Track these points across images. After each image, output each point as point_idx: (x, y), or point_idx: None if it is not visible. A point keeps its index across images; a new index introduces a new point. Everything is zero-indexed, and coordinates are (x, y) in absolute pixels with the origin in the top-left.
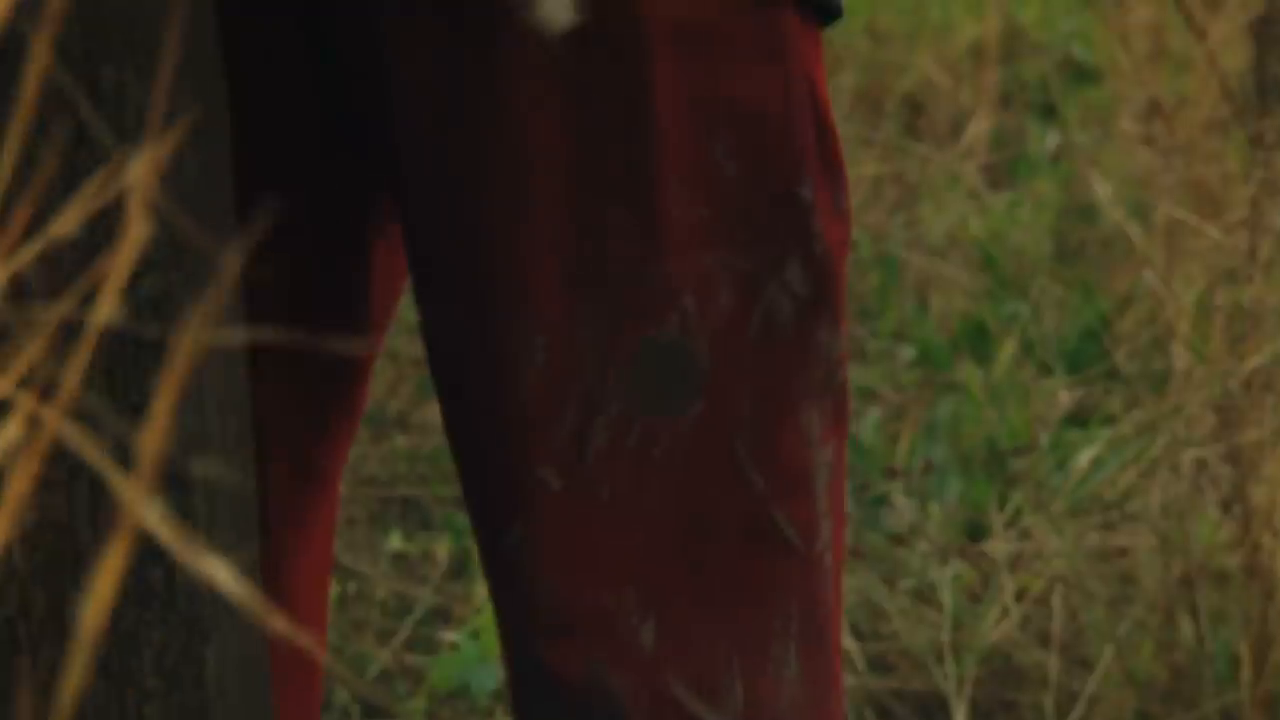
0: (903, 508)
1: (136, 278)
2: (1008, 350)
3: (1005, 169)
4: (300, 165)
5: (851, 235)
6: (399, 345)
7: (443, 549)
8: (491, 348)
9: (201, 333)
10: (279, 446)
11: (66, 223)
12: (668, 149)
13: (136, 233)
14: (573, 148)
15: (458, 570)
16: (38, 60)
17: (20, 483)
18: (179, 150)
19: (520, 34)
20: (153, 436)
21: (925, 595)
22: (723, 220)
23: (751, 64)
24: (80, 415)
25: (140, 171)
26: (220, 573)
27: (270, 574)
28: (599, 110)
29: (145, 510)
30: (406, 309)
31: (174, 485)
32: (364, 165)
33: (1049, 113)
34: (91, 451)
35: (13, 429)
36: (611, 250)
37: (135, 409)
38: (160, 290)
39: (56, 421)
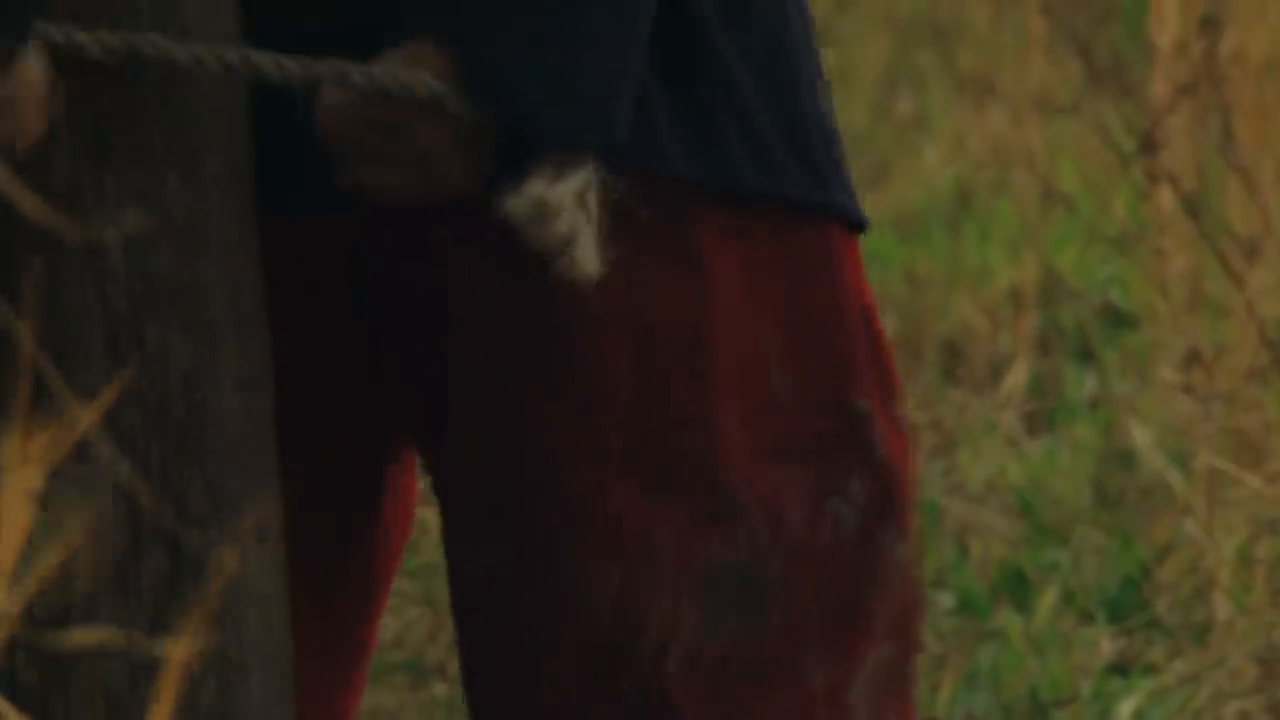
0: None
1: (176, 532)
2: (1048, 598)
3: (1044, 415)
4: (322, 404)
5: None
6: (437, 592)
7: None
8: (556, 580)
9: (237, 581)
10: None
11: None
12: (726, 369)
13: (14, 523)
14: (634, 371)
15: None
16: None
17: None
18: (224, 404)
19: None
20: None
21: None
22: (784, 438)
23: (802, 279)
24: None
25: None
26: None
27: None
28: (659, 334)
29: None
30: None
31: None
32: (385, 404)
33: (1087, 358)
34: None
35: None
36: (677, 475)
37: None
38: (202, 547)
39: None
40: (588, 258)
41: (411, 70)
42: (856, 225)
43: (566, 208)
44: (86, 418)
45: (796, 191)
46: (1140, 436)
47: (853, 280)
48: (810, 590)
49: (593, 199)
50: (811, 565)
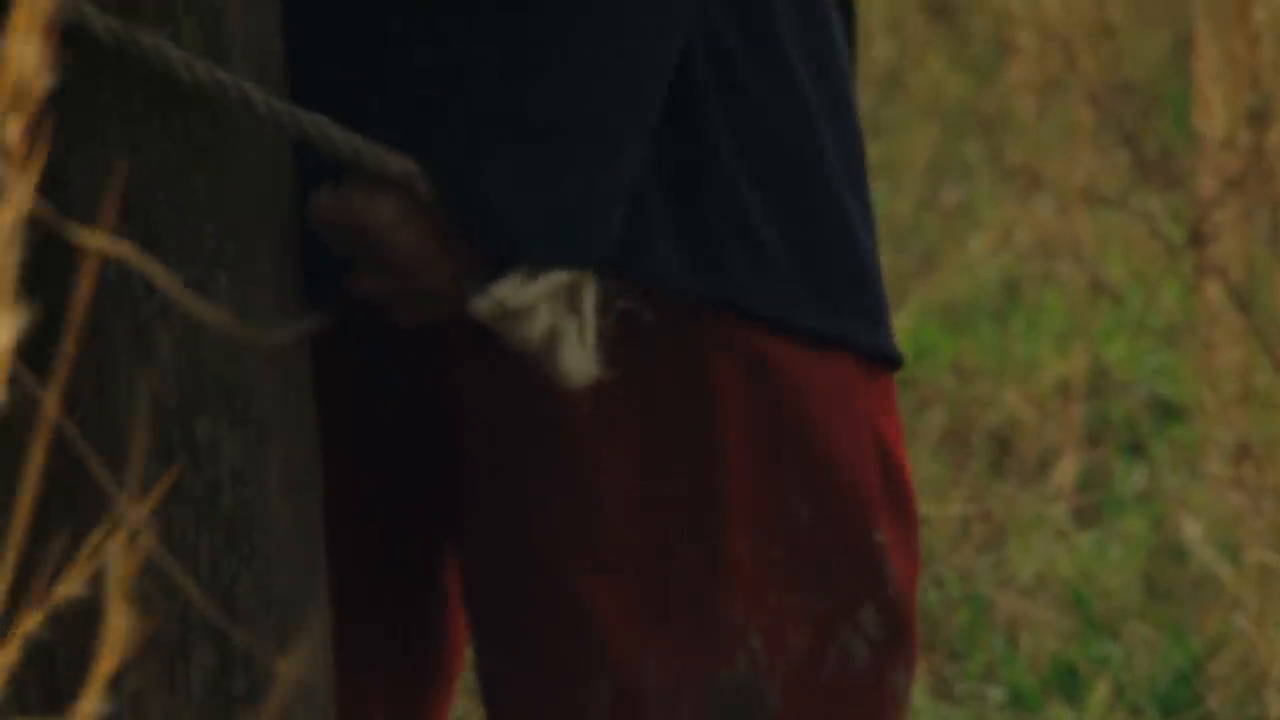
0: None
1: (225, 629)
2: (1099, 693)
3: (1093, 508)
4: (373, 510)
5: (920, 574)
6: None
7: None
8: (555, 688)
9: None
10: None
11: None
12: (735, 487)
13: (118, 627)
14: (640, 485)
15: None
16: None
17: None
18: (273, 500)
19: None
20: None
21: None
22: (796, 563)
23: (817, 409)
24: None
25: (117, 555)
26: None
27: None
28: (666, 448)
29: None
30: None
31: None
32: (430, 506)
33: (1137, 451)
34: None
35: None
36: (678, 588)
37: None
38: (250, 644)
39: None
40: (575, 362)
41: (389, 150)
42: (883, 356)
43: (538, 310)
44: (136, 514)
45: (803, 319)
46: (1191, 530)
47: (868, 411)
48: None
49: (587, 303)
50: (814, 694)
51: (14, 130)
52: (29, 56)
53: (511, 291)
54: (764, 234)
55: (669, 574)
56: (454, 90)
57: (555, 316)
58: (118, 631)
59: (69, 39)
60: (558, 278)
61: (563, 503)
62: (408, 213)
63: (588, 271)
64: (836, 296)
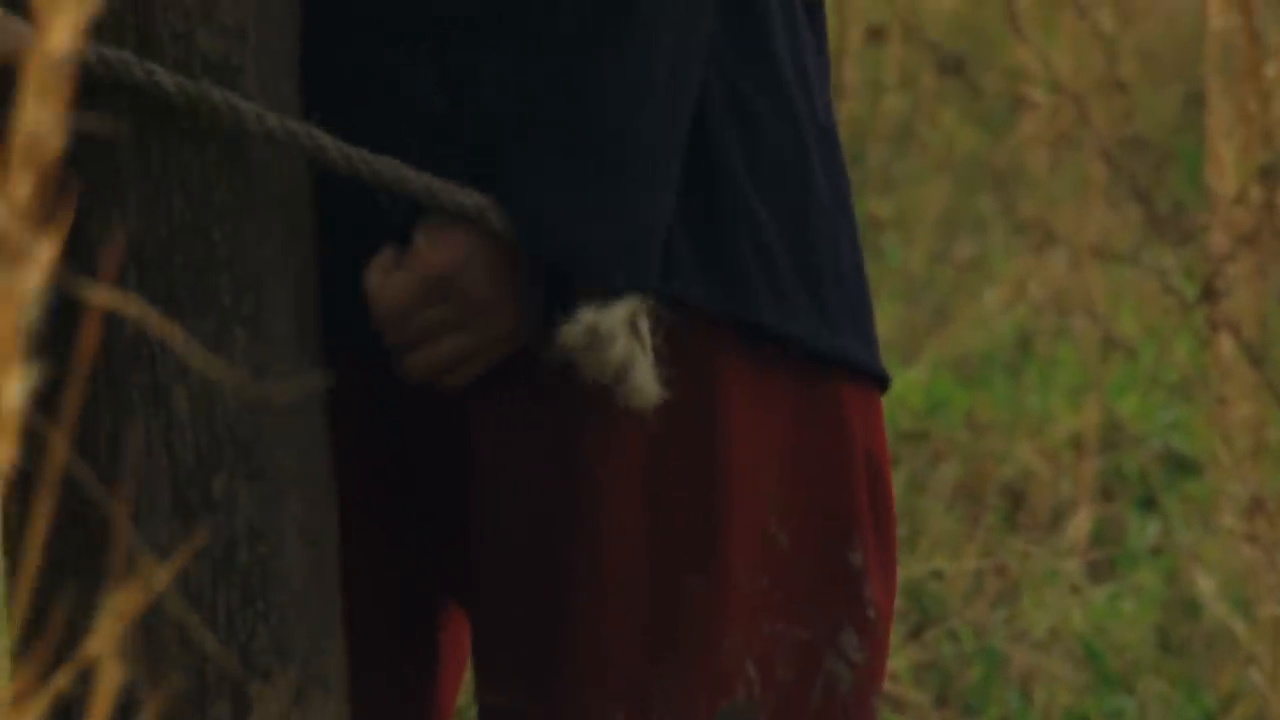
0: None
1: (243, 681)
2: None
3: (1107, 562)
4: (372, 557)
5: (895, 596)
6: None
7: None
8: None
9: None
10: None
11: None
12: (737, 515)
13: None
14: (649, 517)
15: None
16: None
17: None
18: (289, 555)
19: (601, 409)
20: None
21: None
22: (780, 589)
23: (806, 424)
24: None
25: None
26: None
27: None
28: (675, 477)
29: None
30: None
31: None
32: (430, 558)
33: (1150, 505)
34: None
35: None
36: (684, 619)
37: None
38: (266, 698)
39: None
40: (646, 384)
41: (460, 187)
42: (874, 377)
43: (619, 334)
44: (156, 571)
45: (807, 335)
46: (1204, 585)
47: (861, 431)
48: None
49: (644, 326)
50: None
51: (24, 189)
52: (43, 116)
53: (597, 317)
54: (775, 251)
55: (676, 604)
56: (514, 129)
57: (627, 342)
58: (133, 686)
59: (88, 98)
60: (630, 302)
61: (572, 534)
62: (479, 247)
63: (643, 295)
64: (833, 315)
